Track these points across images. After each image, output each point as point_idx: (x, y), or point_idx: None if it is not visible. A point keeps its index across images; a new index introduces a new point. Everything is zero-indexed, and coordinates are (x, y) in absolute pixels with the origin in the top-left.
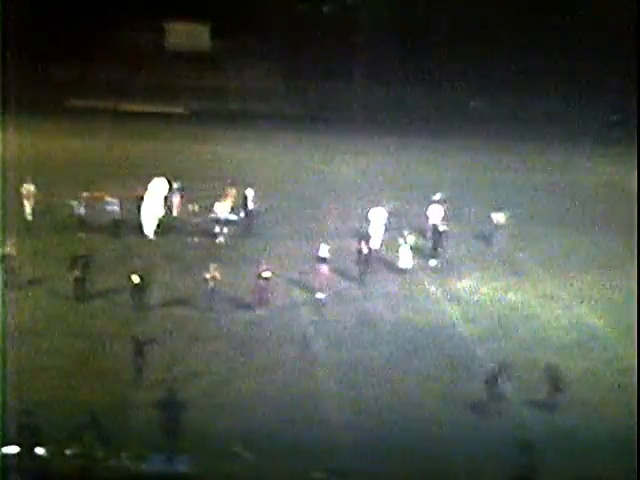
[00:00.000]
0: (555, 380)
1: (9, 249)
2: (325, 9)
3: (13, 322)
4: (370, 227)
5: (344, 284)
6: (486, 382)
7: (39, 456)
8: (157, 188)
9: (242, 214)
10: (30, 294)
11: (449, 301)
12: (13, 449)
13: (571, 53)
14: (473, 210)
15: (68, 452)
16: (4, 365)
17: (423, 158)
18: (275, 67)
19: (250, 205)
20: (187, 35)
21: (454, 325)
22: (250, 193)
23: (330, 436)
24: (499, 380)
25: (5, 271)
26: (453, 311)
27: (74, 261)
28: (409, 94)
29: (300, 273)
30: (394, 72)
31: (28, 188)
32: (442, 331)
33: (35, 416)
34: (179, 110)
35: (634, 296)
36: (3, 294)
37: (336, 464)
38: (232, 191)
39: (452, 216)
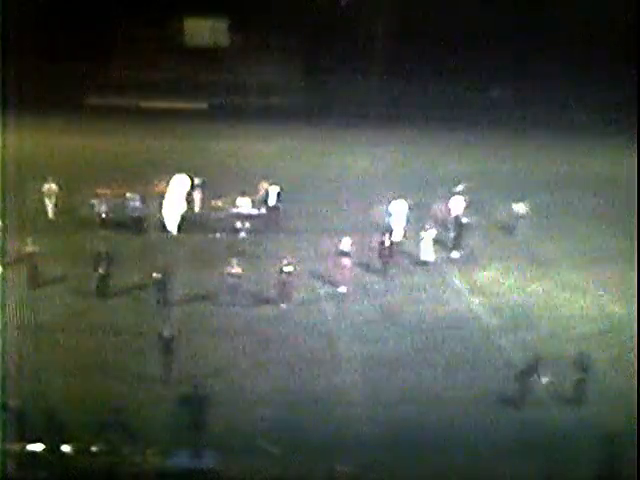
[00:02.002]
0: (586, 368)
1: (32, 247)
2: (343, 2)
3: (36, 319)
4: (392, 220)
5: (366, 277)
6: (520, 374)
7: (65, 453)
8: (179, 184)
9: (264, 209)
10: (53, 292)
11: (471, 293)
12: (38, 446)
13: (596, 40)
14: (495, 201)
15: (93, 449)
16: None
17: (445, 150)
18: (295, 62)
19: (272, 200)
20: (207, 31)
21: (477, 317)
22: (272, 188)
23: (353, 430)
24: (535, 374)
25: (28, 269)
26: (476, 303)
27: (96, 258)
28: (429, 86)
29: (322, 267)
30: (413, 64)
31: (50, 186)
32: (465, 323)
33: (60, 413)
34: (200, 106)
35: None
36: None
37: (359, 458)
38: (264, 185)
39: (474, 208)
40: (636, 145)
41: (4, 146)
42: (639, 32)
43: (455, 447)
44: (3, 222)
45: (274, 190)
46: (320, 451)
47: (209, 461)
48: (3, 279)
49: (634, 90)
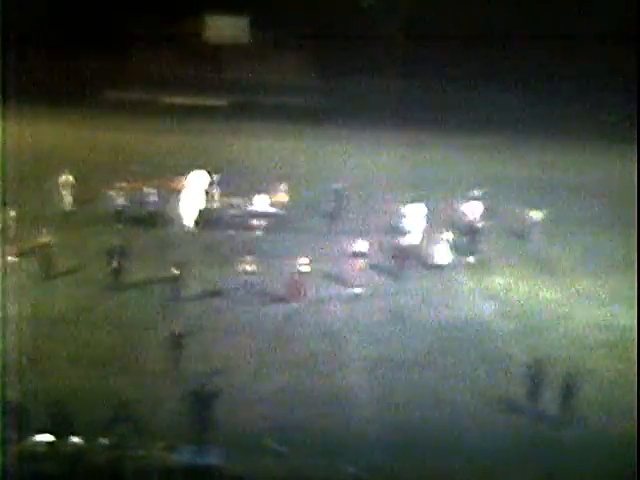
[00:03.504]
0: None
1: (46, 238)
2: (364, 3)
3: (48, 311)
4: (407, 223)
5: (380, 279)
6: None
7: (72, 445)
8: (197, 180)
9: (280, 208)
10: (66, 283)
11: (484, 298)
12: (47, 437)
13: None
14: (510, 207)
15: (102, 442)
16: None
17: (462, 154)
18: (314, 61)
19: (288, 199)
20: (227, 28)
21: (489, 322)
22: (288, 187)
23: (361, 431)
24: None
25: (42, 260)
26: (488, 308)
27: (111, 251)
28: (447, 90)
29: (337, 268)
30: (432, 66)
31: (66, 179)
32: (477, 327)
33: (68, 405)
34: (219, 103)
35: None
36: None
37: (366, 459)
38: (283, 186)
39: (489, 213)
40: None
41: (21, 137)
42: None
43: (463, 450)
44: (17, 213)
45: (288, 188)
46: (327, 451)
47: (215, 458)
48: (16, 270)
49: None
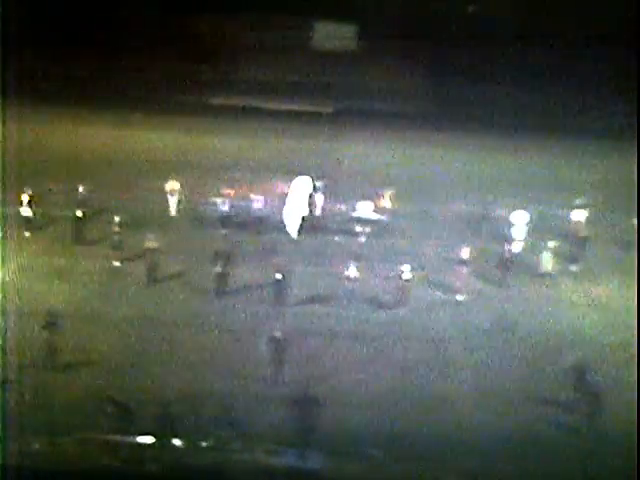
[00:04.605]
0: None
1: (152, 243)
2: (470, 8)
3: (152, 315)
4: (512, 230)
5: (484, 287)
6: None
7: (175, 447)
8: (301, 186)
9: (384, 214)
10: (170, 288)
11: (588, 307)
12: (149, 439)
13: None
14: (616, 215)
15: (204, 444)
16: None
17: (568, 161)
18: (420, 67)
19: (392, 205)
20: (334, 34)
21: (592, 331)
22: (393, 193)
23: (463, 438)
24: None
25: (147, 265)
26: (592, 317)
27: (216, 256)
28: (554, 94)
29: (441, 274)
30: (540, 74)
31: (173, 185)
32: (580, 337)
33: (172, 408)
34: (324, 109)
35: None
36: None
37: (469, 467)
38: (387, 192)
39: (594, 221)
40: None
41: (132, 144)
42: None
43: (566, 460)
44: (122, 218)
45: (393, 194)
46: (429, 459)
47: (316, 462)
48: (122, 274)
49: None
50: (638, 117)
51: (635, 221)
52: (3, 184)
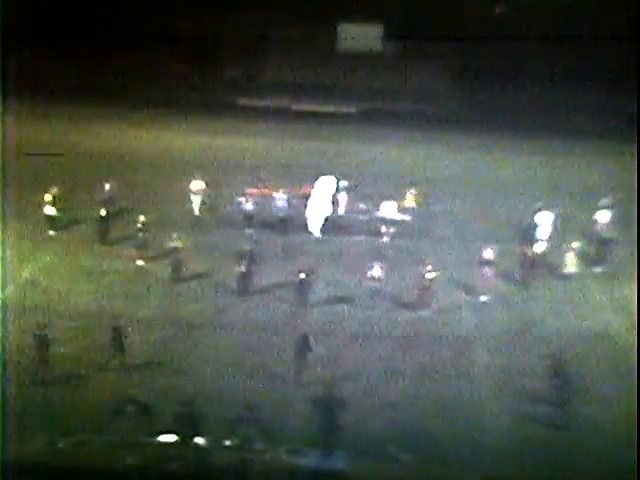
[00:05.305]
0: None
1: (176, 242)
2: (497, 10)
3: (177, 314)
4: (536, 231)
5: (508, 287)
6: None
7: (198, 446)
8: (325, 186)
9: (408, 214)
10: (195, 287)
11: (613, 309)
12: (171, 437)
13: None
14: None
15: (227, 443)
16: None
17: (592, 161)
18: (445, 68)
19: (416, 205)
20: (359, 35)
21: (617, 333)
22: (417, 193)
23: (486, 441)
24: None
25: (172, 264)
26: (616, 319)
27: (240, 256)
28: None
29: (464, 275)
30: (564, 74)
31: (198, 184)
32: (604, 339)
33: (196, 407)
34: (349, 110)
35: None
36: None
37: (490, 470)
38: (411, 193)
39: (619, 222)
40: None
41: (158, 144)
42: None
43: (594, 463)
44: (147, 218)
45: (417, 194)
46: (451, 460)
47: (339, 462)
48: (146, 274)
49: None
50: (638, 117)
51: None
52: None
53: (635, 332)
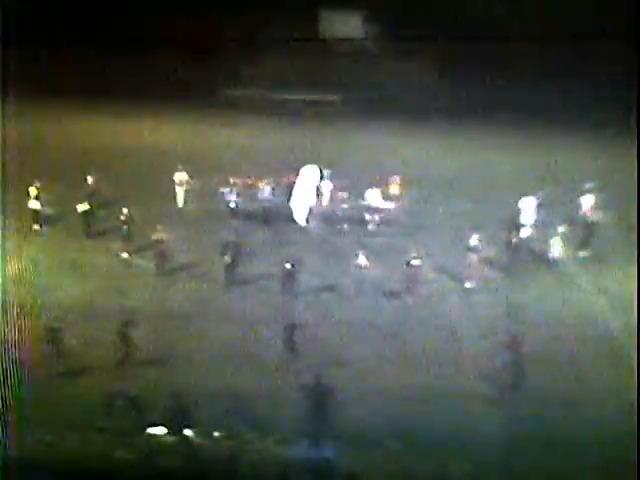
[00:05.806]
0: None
1: (160, 234)
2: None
3: (162, 306)
4: (520, 216)
5: (493, 274)
6: None
7: (187, 438)
8: (308, 175)
9: (392, 202)
10: (180, 278)
11: (597, 293)
12: (161, 430)
13: None
14: (625, 200)
15: (216, 434)
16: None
17: (575, 146)
18: (429, 56)
19: (401, 193)
20: (341, 24)
21: (602, 317)
22: (401, 181)
23: (475, 429)
24: None
25: (156, 256)
26: (601, 303)
27: (225, 247)
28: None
29: (449, 262)
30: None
31: (181, 176)
32: (590, 323)
33: (184, 399)
34: (331, 98)
35: None
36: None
37: (480, 457)
38: (395, 180)
39: (604, 206)
40: None
41: (140, 136)
42: None
43: (584, 450)
44: (131, 210)
45: (401, 182)
46: (440, 448)
47: (328, 452)
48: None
49: None
50: (638, 113)
51: None
52: (3, 178)
53: (630, 327)
